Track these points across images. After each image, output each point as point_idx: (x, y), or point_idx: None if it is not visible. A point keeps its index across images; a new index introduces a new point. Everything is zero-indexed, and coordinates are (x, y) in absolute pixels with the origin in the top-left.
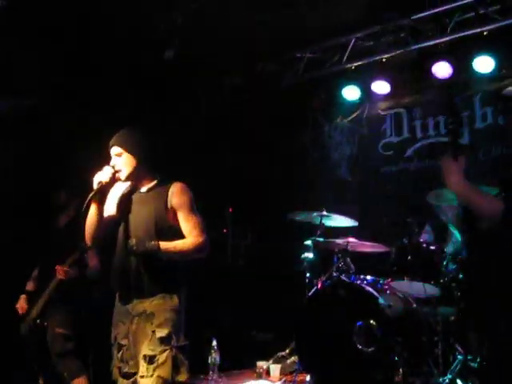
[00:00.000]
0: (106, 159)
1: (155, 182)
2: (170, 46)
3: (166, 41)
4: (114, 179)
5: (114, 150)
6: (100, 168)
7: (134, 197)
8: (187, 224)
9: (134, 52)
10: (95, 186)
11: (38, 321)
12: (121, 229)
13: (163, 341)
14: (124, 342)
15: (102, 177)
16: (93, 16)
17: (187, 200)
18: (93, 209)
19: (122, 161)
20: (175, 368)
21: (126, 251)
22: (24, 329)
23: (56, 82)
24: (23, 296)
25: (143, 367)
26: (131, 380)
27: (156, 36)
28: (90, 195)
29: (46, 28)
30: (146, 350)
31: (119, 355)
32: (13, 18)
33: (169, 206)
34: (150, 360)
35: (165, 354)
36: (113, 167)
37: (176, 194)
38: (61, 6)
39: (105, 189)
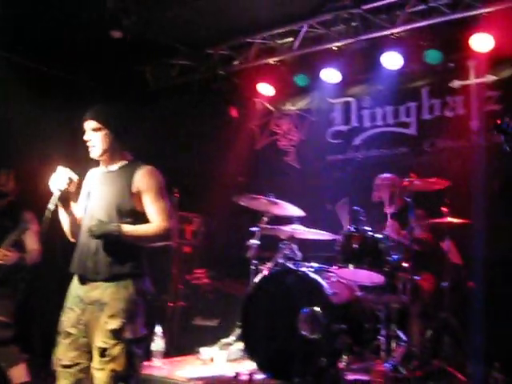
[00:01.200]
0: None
1: (125, 162)
2: (117, 25)
3: (114, 20)
4: (71, 184)
5: (91, 124)
6: (52, 167)
7: (101, 176)
8: (152, 208)
9: (81, 30)
10: (54, 193)
11: None
12: (84, 208)
13: (115, 333)
14: (72, 330)
15: (59, 185)
16: None
17: (155, 183)
18: (62, 212)
19: (98, 136)
20: (129, 362)
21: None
22: None
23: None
24: None
25: (96, 359)
26: (72, 370)
27: (104, 15)
28: (50, 206)
29: None
30: (98, 341)
31: (66, 343)
32: None
33: (134, 187)
34: (102, 353)
35: (117, 348)
36: (87, 141)
37: (143, 177)
38: None
39: (66, 194)
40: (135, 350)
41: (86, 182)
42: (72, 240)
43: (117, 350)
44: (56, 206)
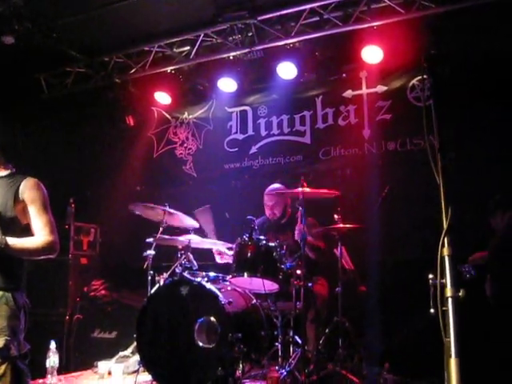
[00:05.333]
0: None
1: (8, 171)
2: (9, 30)
3: (5, 24)
4: None
5: None
6: None
7: None
8: (38, 221)
9: None
10: None
11: None
12: None
13: (0, 353)
14: None
15: None
16: None
17: (40, 196)
18: None
19: None
20: (16, 379)
21: None
22: None
23: None
24: None
25: None
26: None
27: None
28: None
29: None
30: None
31: None
32: None
33: (20, 197)
34: None
35: (3, 367)
36: None
37: (28, 188)
38: None
39: None
40: (21, 366)
41: None
42: None
43: (2, 369)
44: None
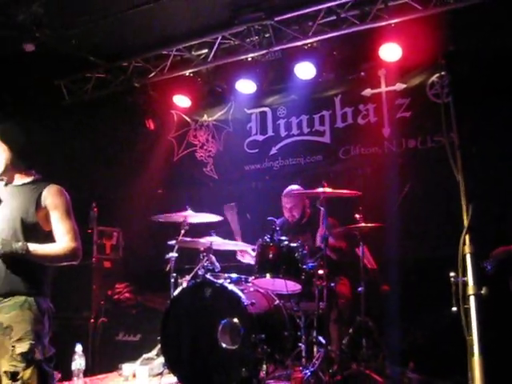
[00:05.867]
0: None
1: (31, 178)
2: (30, 38)
3: (26, 32)
4: None
5: None
6: None
7: (4, 190)
8: (60, 227)
9: None
10: None
11: None
12: None
13: (25, 356)
14: None
15: None
16: None
17: (63, 202)
18: None
19: None
20: (42, 382)
21: None
22: None
23: None
24: None
25: None
26: None
27: (16, 27)
28: None
29: None
30: (6, 366)
31: None
32: None
33: (42, 204)
34: (13, 377)
35: (29, 371)
36: None
37: (51, 195)
38: None
39: None
40: (46, 368)
41: None
42: None
43: (28, 373)
44: None
